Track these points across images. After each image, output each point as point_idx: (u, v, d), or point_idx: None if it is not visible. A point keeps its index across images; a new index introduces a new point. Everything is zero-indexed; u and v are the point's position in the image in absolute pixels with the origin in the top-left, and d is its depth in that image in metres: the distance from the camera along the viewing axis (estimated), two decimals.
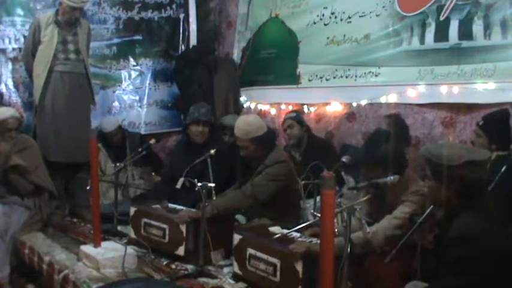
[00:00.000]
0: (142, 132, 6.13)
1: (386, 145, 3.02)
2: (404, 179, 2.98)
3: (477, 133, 3.42)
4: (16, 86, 5.35)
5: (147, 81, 6.35)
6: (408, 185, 3.02)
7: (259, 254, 3.02)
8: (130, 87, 6.23)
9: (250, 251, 3.08)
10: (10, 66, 5.31)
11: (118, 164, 4.26)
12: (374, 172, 3.00)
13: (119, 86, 6.15)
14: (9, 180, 4.26)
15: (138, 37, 6.23)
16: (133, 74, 6.25)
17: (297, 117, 4.79)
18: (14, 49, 5.28)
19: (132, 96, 6.26)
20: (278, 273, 2.89)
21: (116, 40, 6.05)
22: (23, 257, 4.08)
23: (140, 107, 6.30)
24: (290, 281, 2.82)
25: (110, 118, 5.71)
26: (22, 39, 5.23)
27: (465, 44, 4.05)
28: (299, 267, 2.77)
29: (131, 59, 6.20)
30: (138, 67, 6.27)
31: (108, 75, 6.05)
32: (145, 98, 6.35)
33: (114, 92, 6.11)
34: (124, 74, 6.17)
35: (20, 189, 4.31)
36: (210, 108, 4.60)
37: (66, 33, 4.82)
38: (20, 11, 5.34)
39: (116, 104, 6.14)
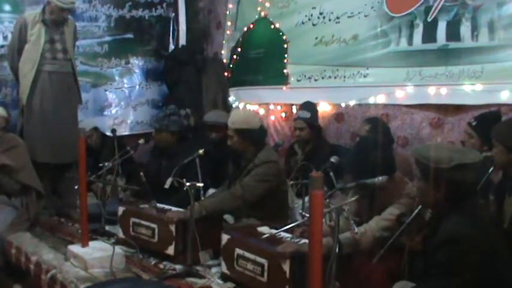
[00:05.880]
0: (134, 131, 6.13)
1: (374, 153, 2.95)
2: (393, 180, 2.99)
3: (469, 133, 3.37)
4: (4, 84, 5.29)
5: (138, 80, 6.35)
6: (397, 185, 3.03)
7: (247, 254, 3.02)
8: (121, 85, 6.22)
9: (238, 251, 3.08)
10: None
11: (106, 164, 4.23)
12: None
13: (111, 84, 6.14)
14: None
15: (129, 36, 6.23)
16: (125, 72, 6.23)
17: (310, 119, 4.53)
18: (1, 46, 5.22)
19: (123, 95, 6.25)
20: (266, 274, 2.89)
21: (107, 38, 6.04)
22: (10, 256, 4.05)
23: (131, 105, 6.28)
24: (277, 281, 2.81)
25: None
26: (10, 36, 5.12)
27: (453, 45, 4.08)
28: (286, 267, 2.77)
29: (123, 58, 6.18)
30: (130, 66, 6.27)
31: (99, 74, 6.04)
32: (136, 97, 6.34)
33: (105, 90, 6.11)
34: (115, 72, 6.16)
35: (7, 188, 4.29)
36: (172, 113, 4.41)
37: (53, 33, 4.73)
38: (7, 7, 5.29)
39: (107, 102, 6.12)
